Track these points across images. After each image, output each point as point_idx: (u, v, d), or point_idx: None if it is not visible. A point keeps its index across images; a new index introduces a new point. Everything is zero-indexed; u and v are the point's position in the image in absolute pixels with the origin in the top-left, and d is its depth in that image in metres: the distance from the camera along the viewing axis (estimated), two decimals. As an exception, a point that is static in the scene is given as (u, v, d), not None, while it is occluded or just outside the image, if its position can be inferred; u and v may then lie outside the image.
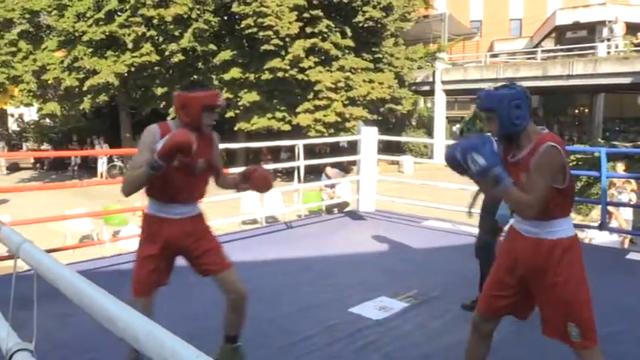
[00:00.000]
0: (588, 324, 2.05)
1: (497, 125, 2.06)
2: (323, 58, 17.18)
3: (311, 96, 17.04)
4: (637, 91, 18.77)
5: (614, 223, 7.37)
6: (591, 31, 23.37)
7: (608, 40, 20.14)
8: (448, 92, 22.98)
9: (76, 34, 17.21)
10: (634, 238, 7.57)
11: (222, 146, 7.22)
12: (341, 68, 17.23)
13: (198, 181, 2.45)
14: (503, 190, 2.00)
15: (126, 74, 17.48)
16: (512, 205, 2.10)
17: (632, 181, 8.46)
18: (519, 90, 2.08)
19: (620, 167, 8.86)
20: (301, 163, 6.46)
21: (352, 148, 7.73)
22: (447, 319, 3.38)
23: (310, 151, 18.02)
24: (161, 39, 17.18)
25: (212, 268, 2.49)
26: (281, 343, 2.98)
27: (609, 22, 20.41)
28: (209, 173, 2.53)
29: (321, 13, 16.72)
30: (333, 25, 17.09)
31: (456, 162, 2.09)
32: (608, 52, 19.83)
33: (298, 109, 17.15)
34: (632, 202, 8.13)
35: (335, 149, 17.77)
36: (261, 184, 2.68)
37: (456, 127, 32.82)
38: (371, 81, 17.83)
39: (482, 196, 3.41)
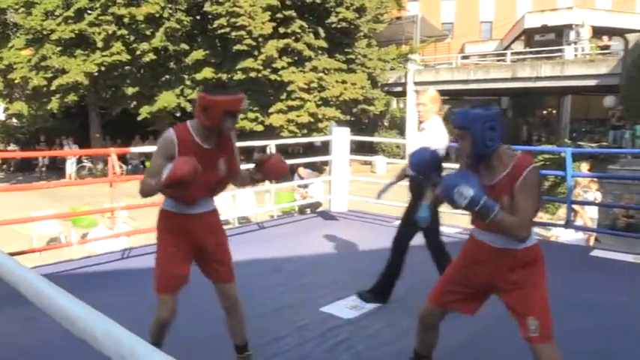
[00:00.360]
0: (546, 321, 2.13)
1: (470, 144, 2.08)
2: (296, 58, 17.19)
3: (284, 96, 17.03)
4: (602, 93, 19.28)
5: (579, 222, 7.55)
6: (559, 34, 23.92)
7: (575, 43, 20.64)
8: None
9: (44, 32, 16.82)
10: (599, 236, 7.77)
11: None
12: (314, 69, 17.26)
13: (220, 179, 2.42)
14: (496, 218, 2.00)
15: (96, 73, 17.17)
16: (503, 229, 2.07)
17: (596, 180, 8.70)
18: (495, 112, 2.11)
19: (585, 167, 9.09)
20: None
21: (325, 148, 7.76)
22: (417, 317, 3.41)
23: (283, 152, 17.92)
24: (132, 38, 16.93)
25: (219, 276, 2.51)
26: (253, 344, 2.97)
27: (576, 25, 20.93)
28: (230, 172, 2.47)
29: (294, 14, 16.72)
30: (306, 26, 17.11)
31: (430, 168, 2.22)
32: (575, 55, 20.32)
33: (271, 110, 17.12)
34: (597, 201, 8.36)
35: (308, 149, 17.79)
36: (275, 172, 2.60)
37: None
38: (344, 82, 17.91)
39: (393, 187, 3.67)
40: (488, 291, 2.27)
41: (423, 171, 2.27)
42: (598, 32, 20.99)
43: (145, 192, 2.34)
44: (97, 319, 0.87)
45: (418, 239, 3.79)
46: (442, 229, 3.78)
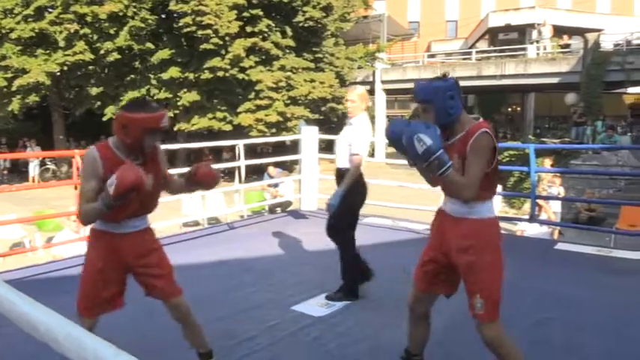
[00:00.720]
0: (494, 300, 2.18)
1: (434, 115, 2.16)
2: (264, 57, 17.13)
3: (252, 96, 16.94)
4: (564, 90, 19.80)
5: (543, 216, 7.73)
6: (522, 33, 24.46)
7: (537, 42, 21.14)
8: (388, 91, 23.44)
9: (3, 31, 16.34)
10: (562, 229, 7.97)
11: (162, 147, 7.05)
12: (282, 68, 17.23)
13: (149, 196, 2.34)
14: (445, 172, 2.07)
15: (58, 73, 16.77)
16: (450, 186, 2.16)
17: (560, 175, 8.93)
18: (452, 82, 2.19)
19: (548, 162, 9.31)
20: (242, 163, 6.42)
21: (295, 147, 7.75)
22: (389, 314, 3.44)
23: (252, 151, 17.90)
24: (95, 37, 16.58)
25: (161, 291, 2.43)
26: (224, 344, 2.95)
27: (538, 24, 21.43)
28: (158, 186, 2.44)
29: (261, 13, 16.65)
30: (273, 25, 17.06)
31: (399, 141, 2.19)
32: (538, 54, 20.82)
33: (239, 109, 17.01)
34: (560, 196, 8.58)
35: (278, 149, 17.75)
36: (208, 181, 2.62)
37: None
38: (312, 80, 17.92)
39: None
40: (453, 264, 2.30)
41: (398, 145, 2.31)
42: (559, 31, 21.54)
43: (89, 218, 2.24)
44: (58, 322, 0.85)
45: (395, 236, 3.82)
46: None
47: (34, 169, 18.70)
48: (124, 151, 2.25)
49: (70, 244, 5.73)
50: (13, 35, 16.09)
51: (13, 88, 16.35)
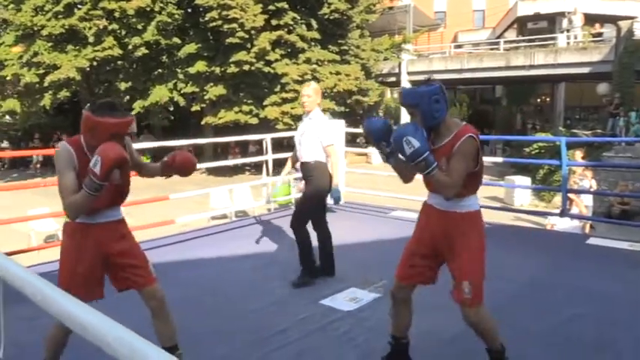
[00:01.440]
0: (479, 285, 2.33)
1: (420, 118, 2.30)
2: (289, 50, 17.14)
3: (278, 89, 16.99)
4: (595, 80, 19.32)
5: (574, 210, 7.59)
6: (551, 22, 23.91)
7: (568, 30, 20.64)
8: (414, 83, 23.16)
9: (35, 28, 16.70)
10: (594, 223, 7.82)
11: (189, 142, 7.11)
12: (307, 60, 17.21)
13: (118, 185, 2.38)
14: (431, 172, 2.24)
15: (88, 69, 17.08)
16: (435, 184, 2.33)
17: (591, 168, 8.75)
18: (437, 86, 2.32)
19: (579, 155, 9.13)
20: (269, 157, 6.47)
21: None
22: (416, 308, 3.43)
23: (278, 144, 17.96)
24: (124, 32, 16.83)
25: (136, 281, 2.42)
26: (254, 337, 3.00)
27: (568, 13, 20.90)
28: (128, 176, 2.47)
29: (286, 6, 16.65)
30: (298, 18, 17.05)
31: (376, 134, 2.40)
32: (568, 43, 20.32)
33: (265, 102, 17.08)
34: (592, 189, 8.41)
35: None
36: (187, 167, 2.69)
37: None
38: (337, 73, 17.87)
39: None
40: (438, 255, 2.46)
41: (375, 140, 2.45)
42: (590, 19, 20.99)
43: (77, 209, 2.20)
44: (109, 325, 0.88)
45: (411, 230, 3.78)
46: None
47: (65, 163, 19.13)
48: (91, 149, 2.24)
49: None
50: (45, 32, 16.44)
51: (45, 84, 16.73)
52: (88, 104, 2.27)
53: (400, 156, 2.33)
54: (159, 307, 2.44)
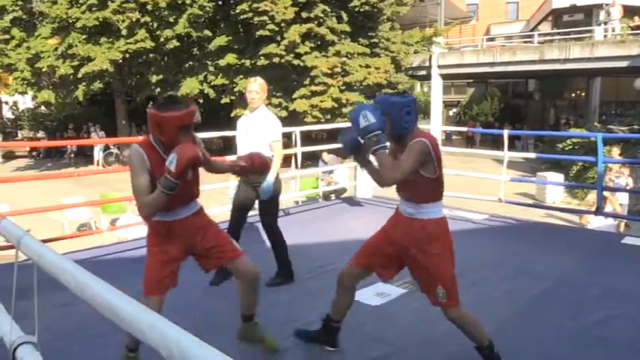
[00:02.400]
0: (452, 288, 2.45)
1: (390, 127, 2.40)
2: (319, 43, 17.11)
3: (307, 82, 16.99)
4: (633, 74, 18.76)
5: (609, 207, 7.40)
6: (588, 14, 23.30)
7: (605, 23, 20.07)
8: (445, 77, 22.93)
9: (70, 20, 17.05)
10: (629, 222, 7.62)
11: (219, 134, 7.16)
12: (337, 53, 17.15)
13: (191, 182, 2.48)
14: (379, 150, 2.32)
15: (120, 61, 17.37)
16: (379, 166, 2.39)
17: (628, 165, 8.51)
18: (410, 99, 2.46)
19: (616, 152, 8.88)
20: (298, 149, 6.47)
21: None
22: (421, 316, 3.40)
23: (307, 137, 17.94)
24: (155, 25, 17.05)
25: (223, 257, 2.57)
26: (285, 328, 3.01)
27: (606, 5, 20.32)
28: (198, 172, 2.57)
29: (316, -2, 16.61)
30: (329, 10, 16.98)
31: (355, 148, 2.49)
32: (605, 36, 19.78)
33: (294, 95, 17.10)
34: (628, 187, 8.18)
35: (332, 135, 17.75)
36: (263, 171, 2.96)
37: (453, 112, 32.85)
38: (367, 66, 17.77)
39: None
40: (401, 258, 2.56)
41: (351, 150, 2.52)
42: (629, 12, 20.36)
43: (152, 208, 2.31)
44: (142, 312, 0.88)
45: (451, 225, 3.73)
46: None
47: (98, 153, 19.56)
48: (163, 146, 2.35)
49: (133, 226, 5.96)
50: (79, 24, 16.77)
51: (79, 76, 17.08)
52: (151, 103, 2.33)
53: (355, 132, 2.39)
54: (252, 277, 2.61)
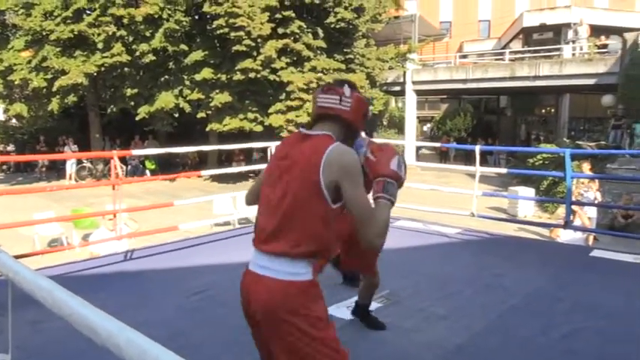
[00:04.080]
0: None
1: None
2: (295, 58, 17.21)
3: (283, 97, 17.06)
4: (600, 91, 19.33)
5: (577, 221, 7.59)
6: (557, 33, 23.95)
7: (573, 42, 20.69)
8: (419, 92, 23.28)
9: (44, 32, 16.86)
10: (597, 235, 7.81)
11: (194, 148, 7.13)
12: (313, 69, 17.28)
13: None
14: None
15: (95, 74, 17.20)
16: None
17: (597, 180, 8.74)
18: None
19: (586, 167, 9.13)
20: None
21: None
22: (419, 319, 3.45)
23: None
24: (131, 39, 16.96)
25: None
26: (250, 349, 3.00)
27: (574, 24, 20.96)
28: None
29: (293, 14, 16.75)
30: (305, 26, 17.13)
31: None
32: (573, 54, 20.37)
33: (270, 110, 17.14)
34: (597, 201, 8.40)
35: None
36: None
37: (427, 127, 33.27)
38: (343, 82, 17.89)
39: None
40: None
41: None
42: (596, 31, 21.03)
43: (386, 230, 1.66)
44: (119, 328, 0.90)
45: (426, 240, 3.81)
46: None
47: (71, 167, 19.21)
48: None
49: (106, 242, 5.89)
50: (53, 37, 16.57)
51: (54, 89, 16.85)
52: (347, 84, 1.91)
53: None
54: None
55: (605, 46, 20.45)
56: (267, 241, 1.68)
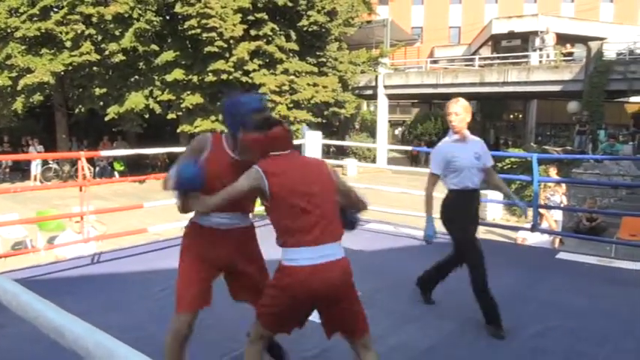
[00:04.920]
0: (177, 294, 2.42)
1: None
2: (267, 61, 17.17)
3: (255, 99, 16.96)
4: (566, 98, 19.84)
5: (545, 224, 7.75)
6: (525, 40, 24.51)
7: (540, 49, 21.19)
8: (390, 96, 23.50)
9: (8, 30, 16.40)
10: (563, 238, 7.99)
11: (164, 150, 7.05)
12: (285, 71, 17.27)
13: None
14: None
15: (62, 73, 16.81)
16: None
17: (563, 184, 8.95)
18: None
19: (553, 171, 9.34)
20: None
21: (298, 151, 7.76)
22: (391, 320, 3.47)
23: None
24: (100, 38, 16.64)
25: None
26: (226, 349, 2.97)
27: (541, 32, 21.48)
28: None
29: (265, 17, 16.70)
30: (277, 29, 17.11)
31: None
32: (540, 61, 20.86)
33: (242, 112, 17.02)
34: (563, 204, 8.60)
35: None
36: None
37: (398, 131, 33.56)
38: (315, 84, 17.96)
39: None
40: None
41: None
42: (562, 39, 21.59)
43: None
44: (86, 330, 0.87)
45: (397, 242, 3.82)
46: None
47: (36, 168, 18.73)
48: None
49: (72, 245, 5.75)
50: (18, 34, 16.13)
51: (18, 88, 16.38)
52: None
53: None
54: None
55: (570, 54, 21.02)
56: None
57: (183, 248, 2.46)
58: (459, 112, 3.61)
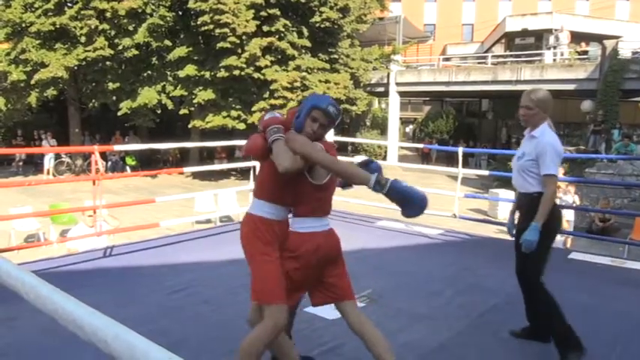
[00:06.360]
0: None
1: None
2: (279, 57, 17.17)
3: (267, 95, 17.00)
4: (580, 97, 19.65)
5: (557, 224, 7.68)
6: (538, 38, 24.29)
7: (554, 47, 20.99)
8: (402, 94, 23.40)
9: (24, 24, 16.55)
10: (575, 238, 7.93)
11: (176, 145, 7.09)
12: (297, 68, 17.27)
13: None
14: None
15: (76, 68, 16.94)
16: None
17: (574, 183, 8.87)
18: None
19: (561, 170, 9.25)
20: (256, 162, 6.46)
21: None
22: (401, 318, 3.47)
23: (266, 150, 17.91)
24: (114, 33, 16.74)
25: None
26: (232, 346, 2.98)
27: (555, 30, 21.27)
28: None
29: (278, 13, 16.70)
30: (290, 25, 17.10)
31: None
32: (554, 60, 20.66)
33: (254, 108, 17.08)
34: (575, 204, 8.53)
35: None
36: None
37: (409, 128, 33.44)
38: (327, 81, 17.94)
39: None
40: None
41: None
42: (576, 37, 21.37)
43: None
44: (105, 322, 0.88)
45: (408, 240, 3.82)
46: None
47: (49, 162, 18.91)
48: None
49: (84, 238, 5.80)
50: (33, 29, 16.28)
51: (32, 82, 16.54)
52: None
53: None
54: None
55: (585, 52, 20.81)
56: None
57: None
58: None
